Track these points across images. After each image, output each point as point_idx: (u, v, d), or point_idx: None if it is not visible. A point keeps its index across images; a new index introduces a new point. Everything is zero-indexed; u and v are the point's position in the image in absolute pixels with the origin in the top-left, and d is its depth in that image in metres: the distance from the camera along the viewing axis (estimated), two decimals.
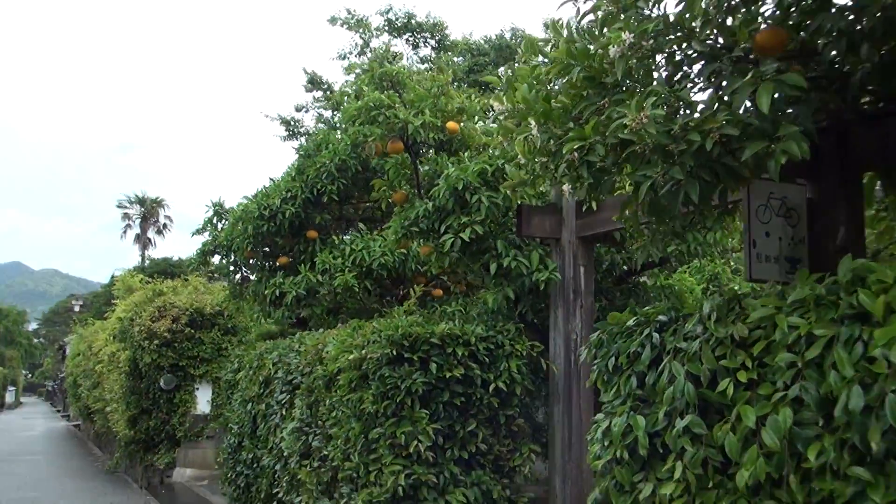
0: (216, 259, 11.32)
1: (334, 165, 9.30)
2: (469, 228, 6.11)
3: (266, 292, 9.20)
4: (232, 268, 11.08)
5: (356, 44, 21.57)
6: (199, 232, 11.09)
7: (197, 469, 15.56)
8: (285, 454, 8.17)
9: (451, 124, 6.60)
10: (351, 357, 6.14)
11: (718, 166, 3.08)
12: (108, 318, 20.81)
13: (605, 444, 3.80)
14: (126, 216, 59.91)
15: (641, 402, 3.68)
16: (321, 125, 21.08)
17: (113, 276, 34.90)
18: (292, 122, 21.38)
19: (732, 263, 9.98)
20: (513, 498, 6.21)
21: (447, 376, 5.91)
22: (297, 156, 10.85)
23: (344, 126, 7.51)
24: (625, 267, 7.15)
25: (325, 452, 7.08)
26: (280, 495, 8.34)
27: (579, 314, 6.42)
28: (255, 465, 9.52)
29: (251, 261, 10.53)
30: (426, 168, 6.84)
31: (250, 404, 9.54)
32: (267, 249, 10.13)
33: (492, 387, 6.03)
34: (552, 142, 3.55)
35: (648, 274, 7.91)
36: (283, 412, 8.44)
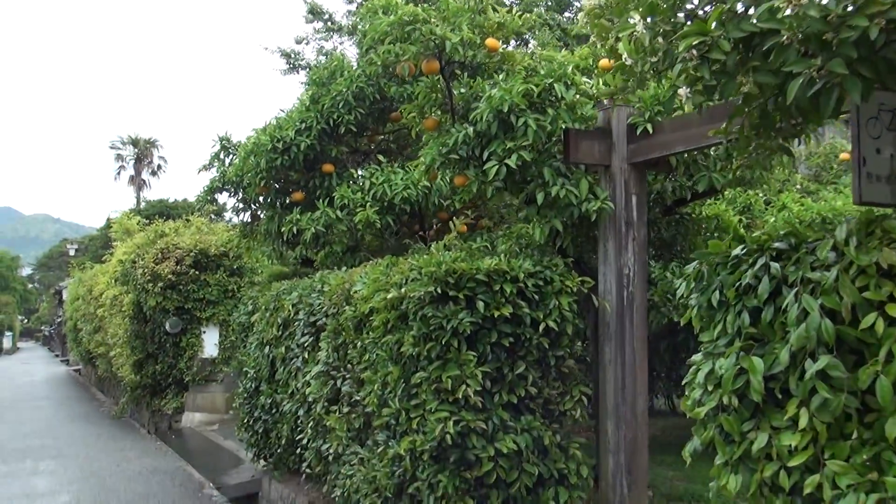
0: (223, 196, 10.78)
1: (351, 93, 8.73)
2: (515, 154, 5.59)
3: (283, 230, 8.69)
4: (241, 205, 10.56)
5: None
6: (205, 168, 10.54)
7: (206, 413, 15.26)
8: (309, 399, 7.77)
9: (490, 41, 6.02)
10: (389, 296, 5.66)
11: (880, 60, 2.56)
12: (108, 261, 20.33)
13: (709, 388, 3.35)
14: (119, 157, 58.97)
15: (755, 342, 3.22)
16: (322, 57, 20.32)
17: (109, 219, 34.34)
18: (293, 55, 20.59)
19: (762, 194, 9.47)
20: (563, 444, 5.80)
21: (495, 315, 5.45)
22: (306, 86, 10.27)
23: (369, 45, 6.93)
24: (673, 196, 6.64)
25: (357, 398, 6.67)
26: (305, 442, 7.95)
27: (632, 247, 5.95)
28: (274, 411, 9.13)
29: (261, 198, 10.01)
30: (461, 91, 6.29)
31: (268, 347, 9.11)
32: (279, 185, 9.60)
33: (542, 326, 5.58)
34: (660, 39, 3.02)
35: (693, 204, 7.41)
36: (306, 356, 8.01)
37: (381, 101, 9.11)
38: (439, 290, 5.40)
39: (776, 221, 8.58)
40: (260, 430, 9.55)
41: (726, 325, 3.32)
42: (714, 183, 5.70)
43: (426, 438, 5.45)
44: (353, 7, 20.11)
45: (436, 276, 5.46)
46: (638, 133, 5.76)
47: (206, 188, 10.47)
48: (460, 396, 5.36)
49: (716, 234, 7.12)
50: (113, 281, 17.26)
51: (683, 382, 3.62)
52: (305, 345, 8.00)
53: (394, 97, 9.17)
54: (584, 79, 5.80)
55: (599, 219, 5.91)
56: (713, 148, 5.93)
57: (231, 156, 10.48)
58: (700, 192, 6.71)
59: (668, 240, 6.90)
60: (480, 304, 5.41)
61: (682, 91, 3.00)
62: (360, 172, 8.84)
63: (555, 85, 5.57)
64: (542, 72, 5.71)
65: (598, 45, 3.32)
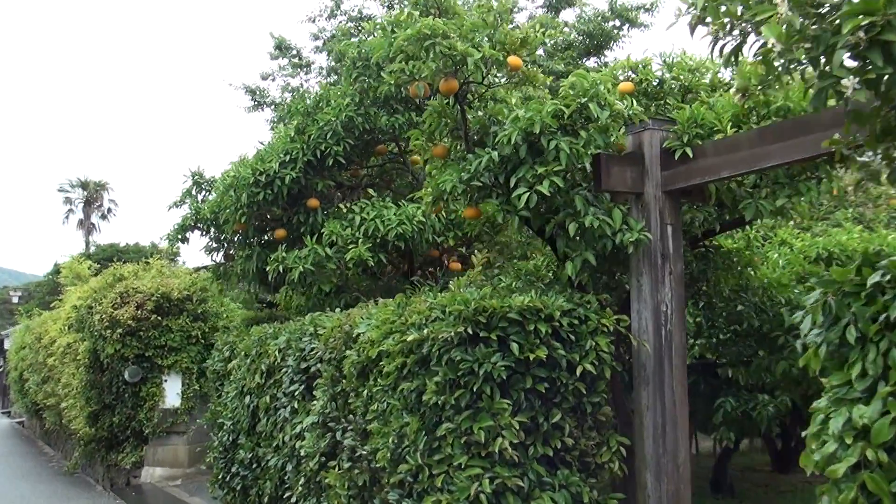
0: (195, 235, 10.09)
1: (340, 123, 8.19)
2: (547, 181, 5.08)
3: (268, 269, 8.04)
4: (214, 244, 9.90)
5: (326, 6, 20.09)
6: (176, 205, 9.87)
7: (168, 468, 14.31)
8: (301, 453, 7.10)
9: (513, 59, 5.54)
10: (409, 338, 5.07)
11: None
12: (57, 307, 19.31)
13: (846, 441, 2.83)
14: (68, 200, 57.29)
15: None
16: (287, 94, 19.74)
17: (57, 264, 33.09)
18: (257, 92, 19.94)
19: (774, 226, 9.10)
20: (600, 501, 5.23)
21: (530, 358, 4.89)
22: (272, 123, 9.69)
23: (376, 62, 6.44)
24: (701, 227, 6.19)
25: (362, 451, 6.03)
26: (293, 501, 7.26)
27: (669, 282, 5.46)
28: (255, 466, 8.42)
29: (237, 236, 9.37)
30: (477, 115, 5.79)
31: (248, 397, 8.40)
32: (259, 222, 8.98)
33: (579, 369, 5.03)
34: (807, 23, 2.53)
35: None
36: (296, 405, 7.36)
37: (368, 132, 8.59)
38: (469, 331, 4.83)
39: (779, 257, 8.22)
40: (238, 487, 8.81)
41: (866, 366, 2.81)
42: (762, 211, 5.25)
43: (454, 498, 4.85)
44: (319, 43, 19.65)
45: (464, 316, 4.89)
46: (677, 157, 5.30)
47: (177, 226, 9.79)
48: (494, 450, 4.78)
49: (740, 269, 6.70)
50: (66, 328, 16.28)
51: (804, 434, 3.10)
52: (295, 393, 7.34)
53: (382, 128, 8.66)
54: (614, 98, 5.32)
55: (633, 252, 5.42)
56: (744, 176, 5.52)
57: (204, 192, 9.84)
58: (729, 223, 6.28)
59: (695, 275, 6.44)
60: (514, 346, 4.86)
61: (848, 81, 2.50)
62: (349, 207, 8.26)
63: (589, 104, 5.09)
64: (572, 91, 5.22)
65: (717, 35, 2.81)
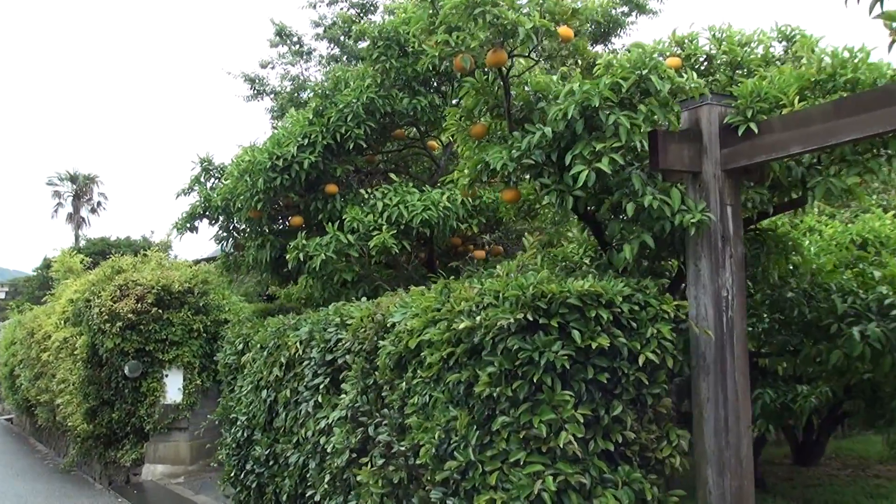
0: (203, 224, 9.72)
1: (362, 105, 7.83)
2: (607, 157, 4.76)
3: (288, 257, 7.68)
4: (223, 234, 9.53)
5: None
6: (184, 192, 9.49)
7: (170, 465, 13.94)
8: (327, 449, 6.77)
9: (564, 29, 5.21)
10: (460, 326, 4.74)
11: None
12: (49, 302, 18.86)
13: None
14: (57, 194, 56.59)
15: None
16: (287, 83, 19.33)
17: (47, 258, 32.56)
18: (257, 81, 19.48)
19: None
20: (661, 498, 4.92)
21: (592, 347, 4.57)
22: (272, 111, 9.33)
23: (400, 40, 6.12)
24: (755, 209, 5.89)
25: (398, 448, 5.70)
26: (317, 499, 6.93)
27: (729, 265, 5.16)
28: (272, 463, 8.07)
29: (249, 224, 9.00)
30: (525, 90, 5.45)
31: (265, 391, 8.05)
32: (273, 210, 8.62)
33: (641, 359, 4.72)
34: None
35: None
36: (320, 399, 7.01)
37: (388, 115, 8.24)
38: (529, 318, 4.51)
39: (810, 244, 7.93)
40: (252, 485, 8.47)
41: None
42: (833, 190, 4.95)
43: (510, 496, 4.53)
44: (320, 31, 19.21)
45: (522, 302, 4.56)
46: (740, 134, 4.99)
47: (185, 214, 9.41)
48: (556, 445, 4.46)
49: (792, 254, 6.40)
50: (63, 322, 15.84)
51: None
52: (320, 387, 7.00)
53: (402, 111, 8.31)
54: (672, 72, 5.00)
55: (692, 234, 5.11)
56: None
57: (213, 179, 9.47)
58: (783, 205, 5.98)
59: (748, 259, 6.13)
60: (576, 334, 4.54)
61: None
62: (371, 193, 7.91)
63: (651, 76, 4.77)
64: (628, 64, 4.90)
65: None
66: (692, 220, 4.96)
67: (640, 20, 16.69)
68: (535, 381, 4.51)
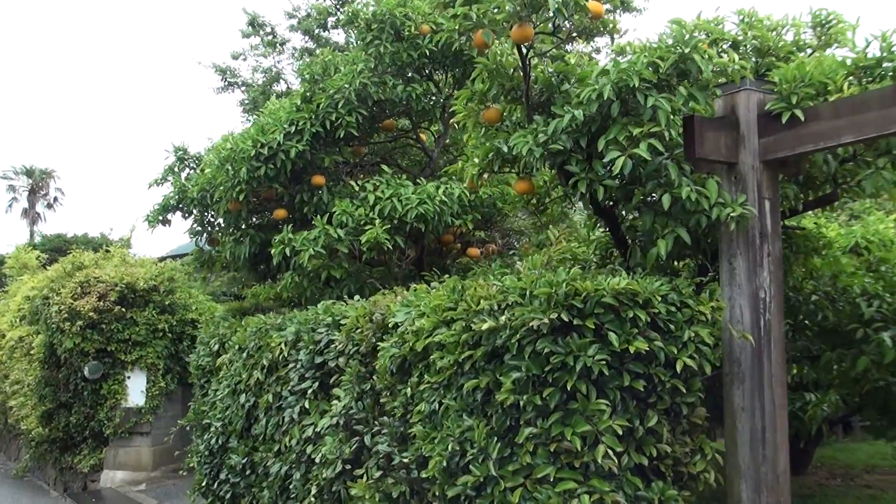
0: (176, 217, 9.14)
1: (354, 91, 7.34)
2: (644, 143, 4.33)
3: (272, 251, 7.15)
4: (198, 227, 8.97)
5: None
6: (157, 183, 8.90)
7: (130, 472, 13.27)
8: (314, 458, 6.27)
9: (594, 5, 4.78)
10: (483, 327, 4.28)
11: None
12: (2, 299, 18.05)
13: None
14: (12, 188, 55.07)
15: None
16: (259, 75, 18.71)
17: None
18: (228, 72, 18.79)
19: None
20: None
21: (630, 351, 4.14)
22: (243, 104, 8.81)
23: (393, 24, 5.66)
24: (788, 204, 5.51)
25: (400, 459, 5.22)
26: None
27: (767, 264, 4.76)
28: (249, 472, 7.54)
29: (225, 218, 8.44)
30: (547, 71, 5.02)
31: (244, 395, 7.51)
32: (254, 202, 8.08)
33: (678, 364, 4.30)
34: None
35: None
36: (307, 405, 6.50)
37: (380, 103, 7.77)
38: (564, 318, 4.06)
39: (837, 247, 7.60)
40: (227, 496, 7.92)
41: None
42: (884, 184, 4.59)
43: None
44: (294, 22, 18.60)
45: (555, 300, 4.12)
46: (784, 121, 4.60)
47: (158, 206, 8.83)
48: (592, 459, 4.02)
49: (825, 254, 6.05)
50: (18, 320, 15.07)
51: None
52: (307, 392, 6.49)
53: (395, 100, 7.84)
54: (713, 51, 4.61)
55: (732, 229, 4.70)
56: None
57: (188, 169, 8.90)
58: (813, 202, 5.62)
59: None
60: (613, 337, 4.10)
61: None
62: (361, 185, 7.42)
63: (693, 55, 4.36)
64: (670, 40, 4.49)
65: None
66: (732, 215, 4.55)
67: (625, 18, 16.41)
68: (567, 388, 4.06)
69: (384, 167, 7.65)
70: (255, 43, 19.09)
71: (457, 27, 4.95)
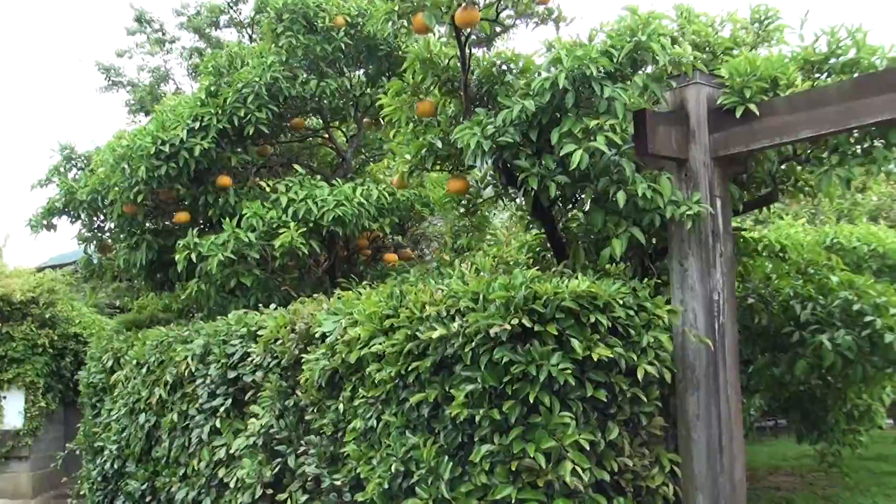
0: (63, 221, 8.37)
1: (264, 85, 6.84)
2: (601, 136, 4.06)
3: (176, 257, 6.55)
4: (87, 233, 8.25)
5: None
6: (41, 184, 8.14)
7: (8, 500, 12.22)
8: (225, 482, 5.75)
9: None
10: (433, 335, 3.89)
11: None
12: None
13: None
14: None
15: None
16: (145, 74, 17.75)
17: None
18: (112, 71, 17.68)
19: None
20: None
21: (593, 358, 3.84)
22: (130, 105, 8.21)
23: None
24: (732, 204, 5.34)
25: (331, 481, 4.78)
26: None
27: (720, 265, 4.56)
28: (150, 498, 6.91)
29: (118, 222, 7.76)
30: (489, 60, 4.70)
31: (143, 415, 6.87)
32: (152, 204, 7.45)
33: (639, 372, 4.03)
34: None
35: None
36: (218, 423, 5.97)
37: (292, 98, 7.29)
38: (525, 324, 3.72)
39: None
40: None
41: None
42: (838, 182, 4.45)
43: None
44: (183, 20, 17.69)
45: (515, 304, 3.78)
46: (738, 116, 4.41)
47: (42, 210, 8.05)
48: (556, 478, 3.69)
49: (764, 255, 5.93)
50: None
51: None
52: (219, 410, 5.96)
53: (306, 96, 7.38)
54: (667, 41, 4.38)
55: (687, 228, 4.48)
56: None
57: (76, 169, 8.18)
58: (752, 203, 5.48)
59: None
60: (576, 343, 3.80)
61: None
62: (273, 186, 6.92)
63: (652, 43, 4.12)
64: (620, 27, 4.23)
65: None
66: (688, 213, 4.33)
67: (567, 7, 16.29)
68: (530, 400, 3.73)
69: (297, 167, 7.17)
70: (140, 41, 18.11)
71: (395, 8, 4.57)
